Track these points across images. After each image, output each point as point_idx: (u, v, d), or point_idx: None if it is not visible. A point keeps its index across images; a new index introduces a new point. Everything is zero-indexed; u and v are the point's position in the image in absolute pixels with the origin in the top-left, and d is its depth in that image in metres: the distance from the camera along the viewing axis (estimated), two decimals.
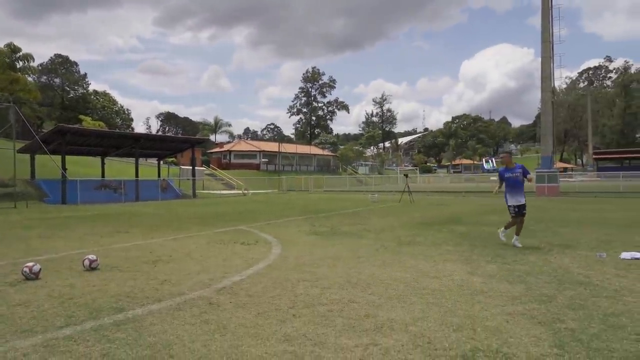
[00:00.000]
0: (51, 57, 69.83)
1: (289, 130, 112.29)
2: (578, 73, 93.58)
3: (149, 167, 39.32)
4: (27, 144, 28.57)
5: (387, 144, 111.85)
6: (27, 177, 27.76)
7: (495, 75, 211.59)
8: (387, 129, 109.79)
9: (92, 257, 5.97)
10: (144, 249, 7.86)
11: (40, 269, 5.50)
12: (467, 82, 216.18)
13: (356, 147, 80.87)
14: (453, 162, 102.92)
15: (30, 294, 4.72)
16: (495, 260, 6.37)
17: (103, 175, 31.61)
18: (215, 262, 6.49)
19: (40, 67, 63.12)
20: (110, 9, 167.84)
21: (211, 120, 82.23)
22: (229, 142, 70.85)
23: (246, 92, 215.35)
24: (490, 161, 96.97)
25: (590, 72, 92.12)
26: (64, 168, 25.22)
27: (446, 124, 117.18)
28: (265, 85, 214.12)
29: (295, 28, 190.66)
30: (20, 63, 53.47)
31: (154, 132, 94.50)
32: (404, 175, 25.76)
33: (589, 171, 63.57)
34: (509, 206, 7.81)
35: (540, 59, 29.19)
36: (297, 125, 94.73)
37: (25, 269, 5.38)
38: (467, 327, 3.57)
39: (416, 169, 73.42)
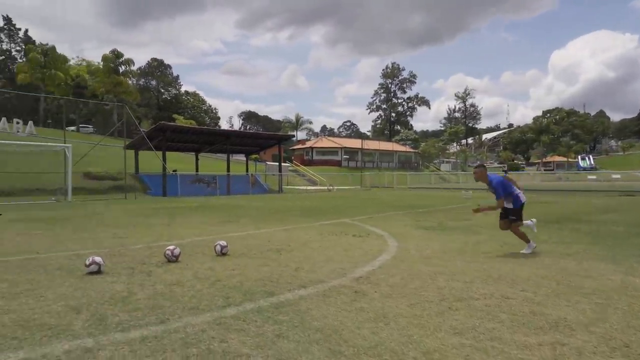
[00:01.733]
0: (148, 61, 75.60)
1: (365, 128, 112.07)
2: None
3: (235, 164, 41.09)
4: (132, 140, 30.94)
5: (469, 140, 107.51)
6: (132, 171, 30.14)
7: (590, 64, 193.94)
8: (470, 124, 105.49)
9: (223, 242, 6.19)
10: (260, 238, 8.07)
11: (180, 252, 5.80)
12: (558, 73, 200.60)
13: (439, 144, 78.42)
14: (543, 160, 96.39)
15: (178, 275, 4.97)
16: None
17: (197, 170, 33.48)
18: (336, 252, 6.46)
19: (139, 71, 68.44)
20: (196, 14, 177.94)
21: (292, 118, 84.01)
22: (308, 140, 72.08)
23: (323, 90, 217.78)
24: (587, 159, 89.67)
25: None
26: (165, 163, 27.01)
27: (536, 118, 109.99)
28: (342, 83, 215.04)
29: (372, 25, 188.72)
30: (123, 67, 58.52)
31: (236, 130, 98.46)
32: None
33: None
34: None
35: None
36: (377, 121, 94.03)
37: (167, 252, 5.69)
38: None
39: (504, 167, 69.70)
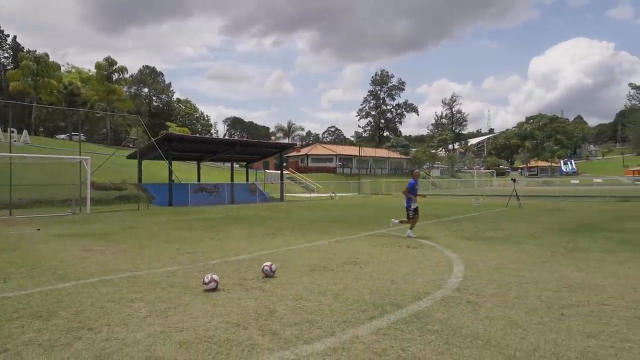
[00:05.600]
0: (140, 69, 75.28)
1: (349, 133, 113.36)
2: None
3: (227, 172, 41.28)
4: (139, 150, 31.01)
5: (455, 146, 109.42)
6: (135, 181, 30.16)
7: (569, 71, 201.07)
8: (457, 130, 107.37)
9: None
10: (322, 250, 8.53)
11: (276, 268, 6.25)
12: (537, 80, 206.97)
13: (429, 150, 79.74)
14: (528, 165, 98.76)
15: (291, 290, 5.38)
16: None
17: (199, 179, 33.67)
18: (411, 264, 6.97)
19: (131, 78, 68.09)
20: (182, 19, 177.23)
21: (282, 124, 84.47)
22: (299, 146, 72.59)
23: (308, 95, 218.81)
24: (569, 163, 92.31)
25: None
26: (172, 172, 27.20)
27: (520, 124, 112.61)
28: (327, 88, 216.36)
29: (356, 31, 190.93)
30: (116, 75, 58.23)
31: (221, 136, 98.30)
32: (512, 180, 25.52)
33: None
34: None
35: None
36: (366, 128, 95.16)
37: (265, 268, 6.12)
38: None
39: (493, 172, 71.33)
